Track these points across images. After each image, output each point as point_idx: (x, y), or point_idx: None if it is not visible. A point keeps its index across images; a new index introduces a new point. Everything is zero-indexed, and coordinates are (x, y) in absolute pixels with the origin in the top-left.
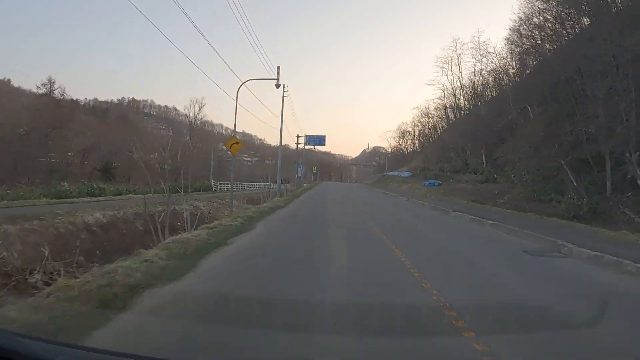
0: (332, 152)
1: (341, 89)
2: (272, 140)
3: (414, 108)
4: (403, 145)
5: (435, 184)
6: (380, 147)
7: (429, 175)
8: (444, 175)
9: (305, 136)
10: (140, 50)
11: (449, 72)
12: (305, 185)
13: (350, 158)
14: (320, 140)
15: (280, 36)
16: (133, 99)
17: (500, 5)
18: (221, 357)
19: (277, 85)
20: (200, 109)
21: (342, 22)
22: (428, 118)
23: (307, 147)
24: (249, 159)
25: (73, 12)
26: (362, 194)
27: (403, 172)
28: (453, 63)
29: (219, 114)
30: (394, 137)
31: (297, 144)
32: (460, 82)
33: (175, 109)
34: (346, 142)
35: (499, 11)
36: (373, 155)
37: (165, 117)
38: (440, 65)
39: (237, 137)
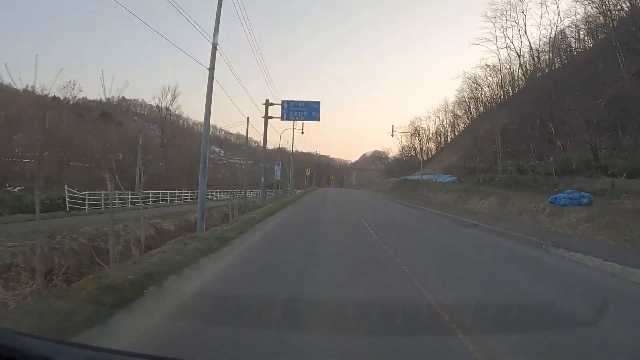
0: (331, 155)
1: (340, 94)
2: (270, 143)
3: (457, 77)
4: (416, 144)
5: (585, 199)
6: (380, 150)
7: (502, 180)
8: (531, 180)
9: (283, 103)
10: (130, 46)
11: (509, 25)
12: (297, 191)
13: (349, 162)
14: (311, 110)
15: (279, 36)
16: (123, 97)
17: None
18: None
19: None
20: (173, 99)
21: (340, 30)
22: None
23: (294, 125)
24: (242, 162)
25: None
26: (441, 233)
27: (440, 175)
28: (514, 11)
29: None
30: (405, 134)
31: (266, 117)
32: (527, 37)
33: (167, 109)
34: (345, 147)
35: None
36: (373, 160)
37: (156, 117)
38: (492, 16)
39: (232, 139)
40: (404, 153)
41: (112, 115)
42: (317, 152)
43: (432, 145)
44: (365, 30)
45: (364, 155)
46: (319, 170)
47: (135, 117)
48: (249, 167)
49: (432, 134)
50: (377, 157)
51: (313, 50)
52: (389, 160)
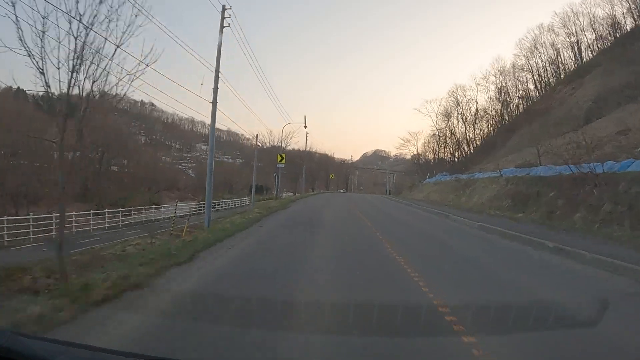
0: (330, 154)
1: (340, 94)
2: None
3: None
4: (455, 128)
5: None
6: (382, 149)
7: None
8: None
9: None
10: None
11: None
12: (283, 195)
13: (348, 161)
14: None
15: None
16: (104, 91)
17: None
18: None
19: None
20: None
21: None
22: None
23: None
24: (231, 160)
25: None
26: None
27: None
28: None
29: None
30: (439, 113)
31: None
32: None
33: (152, 105)
34: (345, 147)
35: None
36: (374, 159)
37: (140, 113)
38: None
39: (223, 136)
40: (440, 139)
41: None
42: (306, 129)
43: (485, 125)
44: (372, 52)
45: (364, 154)
46: (310, 164)
47: (115, 113)
48: (238, 167)
49: (478, 110)
50: (378, 157)
51: (305, 46)
52: (393, 157)
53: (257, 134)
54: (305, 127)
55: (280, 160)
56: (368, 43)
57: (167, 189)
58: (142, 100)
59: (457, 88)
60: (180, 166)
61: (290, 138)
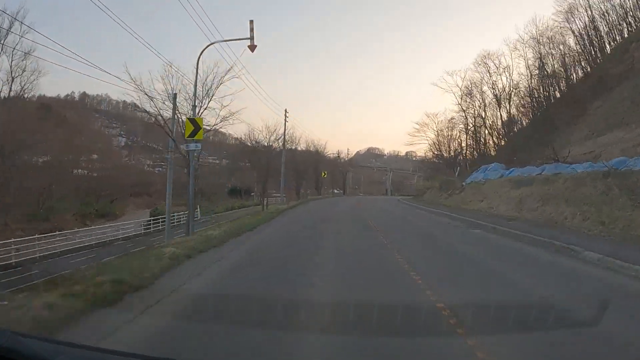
0: (320, 149)
1: (336, 90)
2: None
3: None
4: (480, 108)
5: None
6: (375, 147)
7: None
8: None
9: None
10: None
11: None
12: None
13: (343, 158)
14: None
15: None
16: (84, 92)
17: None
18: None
19: None
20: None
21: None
22: None
23: None
24: (218, 161)
25: None
26: None
27: None
28: None
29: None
30: (463, 87)
31: None
32: None
33: (135, 105)
34: (338, 144)
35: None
36: (368, 157)
37: (121, 114)
38: None
39: (209, 137)
40: (465, 120)
41: (53, 108)
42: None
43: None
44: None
45: (358, 152)
46: (294, 156)
47: (96, 115)
48: (223, 168)
49: (513, 85)
50: (372, 155)
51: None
52: (387, 155)
53: (175, 94)
54: (252, 42)
55: (192, 132)
56: (368, 34)
57: (135, 195)
58: (124, 101)
59: (487, 55)
60: (159, 169)
61: (224, 76)
